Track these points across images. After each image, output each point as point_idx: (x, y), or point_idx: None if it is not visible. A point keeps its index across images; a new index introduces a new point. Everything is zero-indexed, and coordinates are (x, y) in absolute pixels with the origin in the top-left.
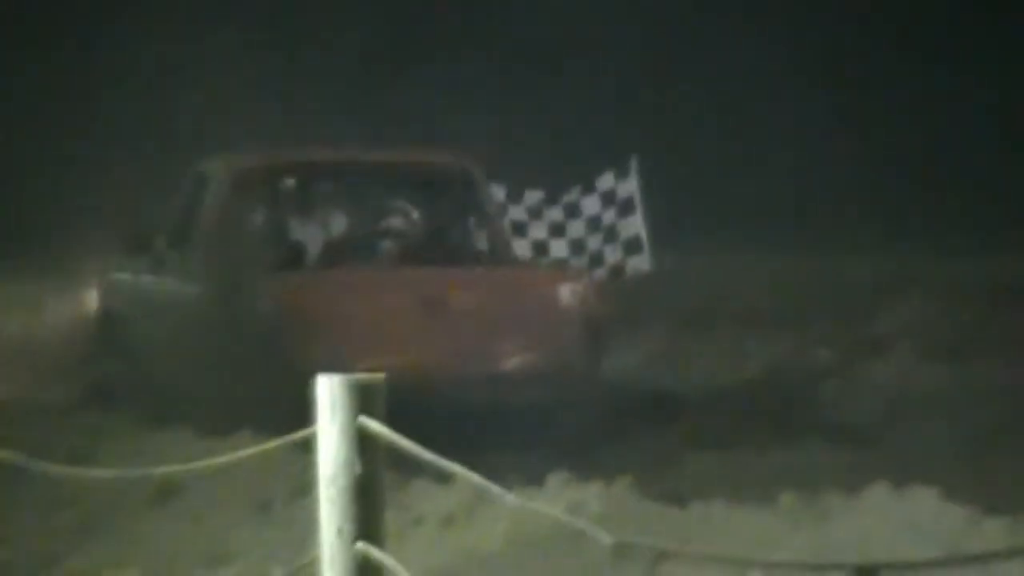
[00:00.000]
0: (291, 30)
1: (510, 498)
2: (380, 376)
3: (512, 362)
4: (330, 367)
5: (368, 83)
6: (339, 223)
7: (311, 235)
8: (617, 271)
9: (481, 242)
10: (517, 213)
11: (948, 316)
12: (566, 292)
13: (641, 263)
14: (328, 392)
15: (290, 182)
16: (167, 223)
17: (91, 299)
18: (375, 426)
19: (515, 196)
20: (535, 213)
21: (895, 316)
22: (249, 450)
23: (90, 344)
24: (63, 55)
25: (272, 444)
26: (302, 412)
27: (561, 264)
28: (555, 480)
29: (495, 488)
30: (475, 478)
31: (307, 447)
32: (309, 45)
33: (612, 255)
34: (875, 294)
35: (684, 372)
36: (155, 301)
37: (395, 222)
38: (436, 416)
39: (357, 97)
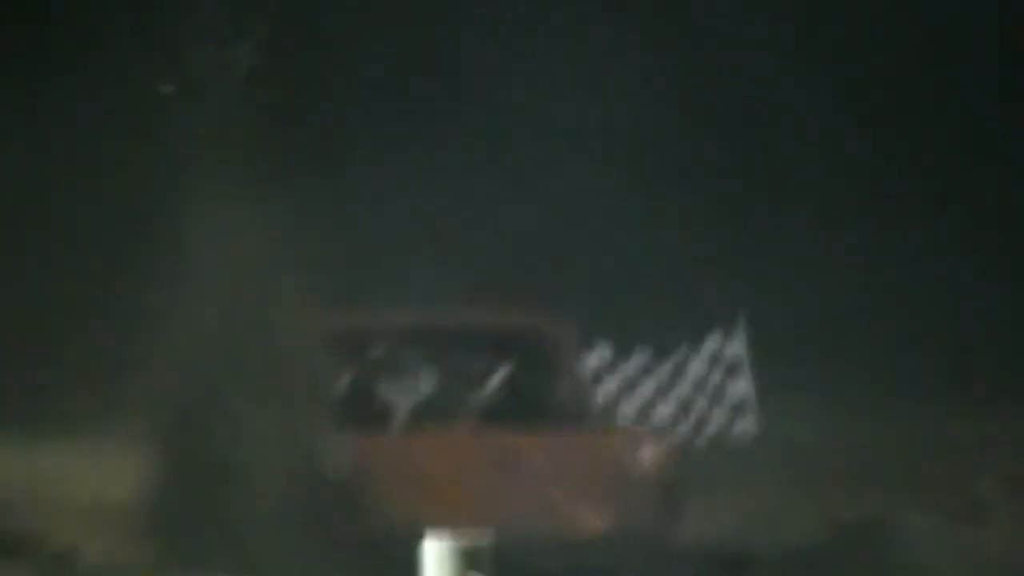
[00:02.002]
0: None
1: None
2: (484, 539)
3: (585, 526)
4: (406, 528)
5: (468, 238)
6: (425, 385)
7: (397, 396)
8: (723, 434)
9: (565, 404)
10: (625, 372)
11: None
12: (643, 457)
13: (748, 425)
14: (435, 555)
15: (377, 345)
16: (252, 383)
17: (167, 461)
18: None
19: (622, 355)
20: (643, 373)
21: (997, 478)
22: None
23: (174, 506)
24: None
25: None
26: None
27: (643, 428)
28: None
29: None
30: None
31: None
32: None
33: (719, 417)
34: (978, 455)
35: (778, 535)
36: (242, 462)
37: (480, 385)
38: None
39: (453, 250)
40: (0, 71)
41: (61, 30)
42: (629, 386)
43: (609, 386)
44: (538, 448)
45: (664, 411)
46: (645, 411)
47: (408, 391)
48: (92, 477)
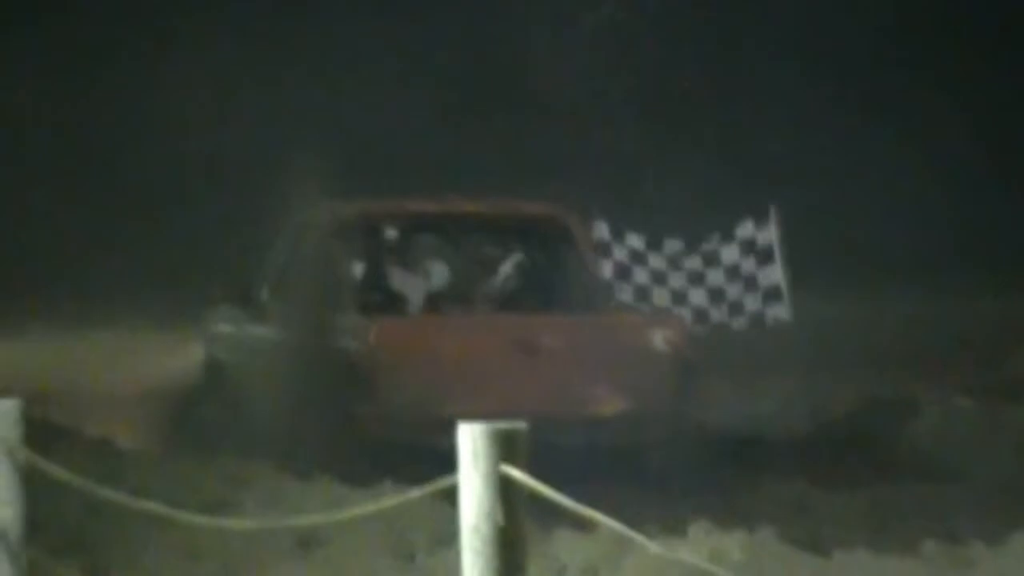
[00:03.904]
0: (392, 77)
1: (653, 547)
2: (522, 425)
3: (604, 406)
4: (425, 409)
5: (509, 129)
6: (439, 272)
7: (411, 284)
8: (757, 320)
9: (579, 289)
10: (656, 262)
11: None
12: (657, 338)
13: (781, 312)
14: (470, 441)
15: (390, 232)
16: (269, 273)
17: (198, 349)
18: (518, 475)
19: (654, 244)
20: (674, 262)
21: None
22: (391, 499)
23: (201, 394)
24: (165, 99)
25: (414, 494)
26: (424, 458)
27: (658, 311)
28: (696, 529)
29: (639, 537)
30: (619, 527)
31: (446, 495)
32: (413, 92)
33: (752, 304)
34: (1012, 336)
35: (815, 418)
36: (260, 350)
37: (493, 271)
38: (550, 461)
39: (490, 142)
40: None
41: None
42: (660, 275)
43: (641, 276)
44: (554, 330)
45: (697, 298)
46: (678, 298)
47: (423, 276)
48: (129, 370)
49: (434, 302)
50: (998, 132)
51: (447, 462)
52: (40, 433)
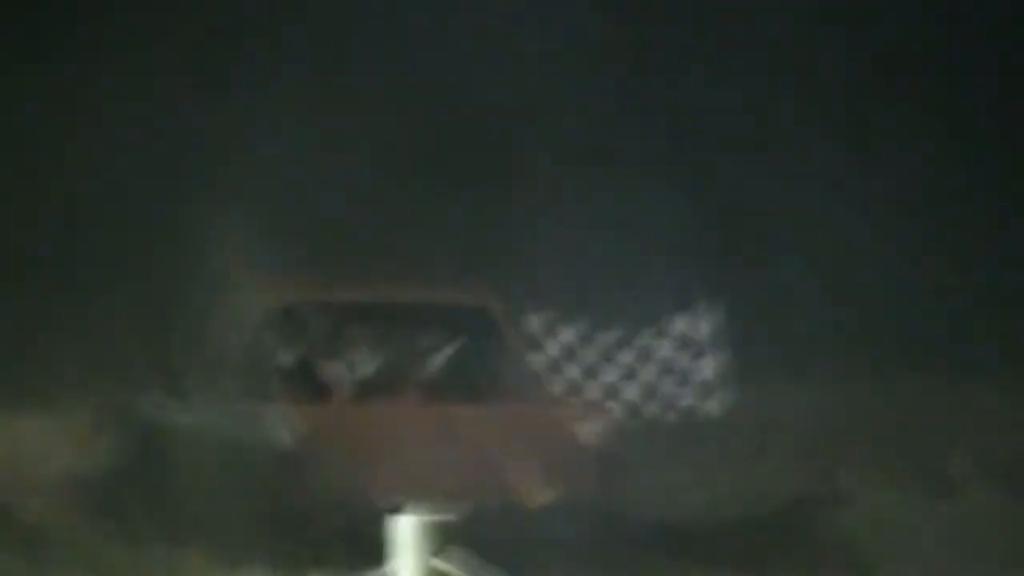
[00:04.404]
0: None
1: None
2: (451, 516)
3: (532, 496)
4: (358, 498)
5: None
6: (367, 361)
7: (338, 373)
8: (689, 415)
9: (509, 380)
10: (590, 355)
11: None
12: (583, 429)
13: (712, 406)
14: (403, 532)
15: (318, 320)
16: (197, 360)
17: (124, 436)
18: (448, 567)
19: (587, 338)
20: (608, 356)
21: (968, 454)
22: None
23: (132, 480)
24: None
25: None
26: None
27: (586, 403)
28: None
29: None
30: None
31: None
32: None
33: (685, 398)
34: (949, 431)
35: (739, 509)
36: (188, 435)
37: (422, 360)
38: (480, 552)
39: (416, 225)
40: None
41: None
42: (592, 369)
43: (572, 370)
44: (482, 420)
45: (630, 393)
46: (610, 393)
47: (353, 365)
48: (56, 451)
49: (363, 391)
50: (955, 200)
51: (376, 550)
52: None
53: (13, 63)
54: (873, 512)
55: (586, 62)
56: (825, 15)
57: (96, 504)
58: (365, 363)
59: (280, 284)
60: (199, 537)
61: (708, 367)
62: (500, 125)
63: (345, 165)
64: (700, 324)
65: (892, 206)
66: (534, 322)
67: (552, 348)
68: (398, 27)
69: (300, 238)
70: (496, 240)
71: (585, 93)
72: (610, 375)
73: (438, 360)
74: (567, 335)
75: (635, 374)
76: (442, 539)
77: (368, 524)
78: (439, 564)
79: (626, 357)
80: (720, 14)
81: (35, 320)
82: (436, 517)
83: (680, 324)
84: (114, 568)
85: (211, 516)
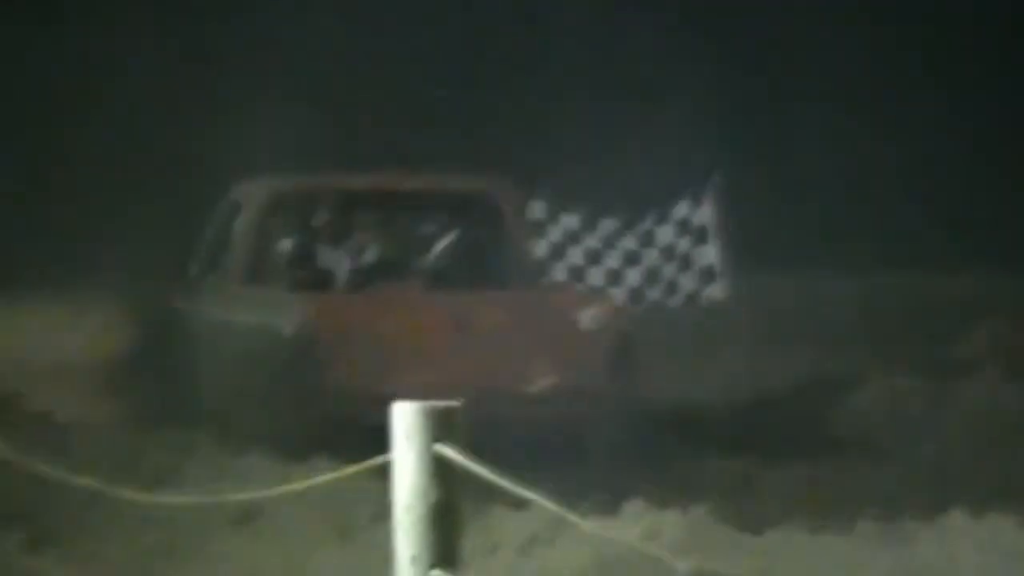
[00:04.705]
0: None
1: (588, 525)
2: (456, 402)
3: (537, 381)
4: (363, 385)
5: (435, 103)
6: (369, 249)
7: (341, 260)
8: (692, 299)
9: (510, 266)
10: (592, 241)
11: None
12: (588, 315)
13: (715, 291)
14: (404, 420)
15: (321, 208)
16: (201, 249)
17: (133, 324)
18: (452, 454)
19: (589, 224)
20: (609, 242)
21: (980, 338)
22: (325, 476)
23: (141, 366)
24: (100, 73)
25: (348, 471)
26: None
27: (590, 289)
28: (632, 506)
29: (573, 516)
30: (554, 506)
31: (384, 472)
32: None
33: (687, 284)
34: (961, 316)
35: (757, 395)
36: (194, 327)
37: (425, 247)
38: (486, 437)
39: (423, 115)
40: None
41: None
42: (595, 254)
43: (575, 255)
44: (486, 306)
45: (633, 278)
46: (613, 278)
47: (354, 253)
48: (69, 339)
49: (366, 279)
50: (963, 107)
51: (379, 437)
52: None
53: None
54: (887, 395)
55: None
56: None
57: (108, 390)
58: (367, 250)
59: (285, 171)
60: (208, 422)
61: (711, 253)
62: (511, 16)
63: (359, 53)
64: (704, 209)
65: (901, 105)
66: (537, 208)
67: (555, 234)
68: None
69: (309, 125)
70: (502, 127)
71: None
72: (613, 261)
73: (440, 247)
74: (570, 221)
75: (638, 259)
76: (445, 426)
77: (371, 411)
78: (442, 451)
79: (628, 243)
80: None
81: (60, 217)
82: (439, 404)
83: (683, 209)
84: (123, 449)
85: (217, 402)
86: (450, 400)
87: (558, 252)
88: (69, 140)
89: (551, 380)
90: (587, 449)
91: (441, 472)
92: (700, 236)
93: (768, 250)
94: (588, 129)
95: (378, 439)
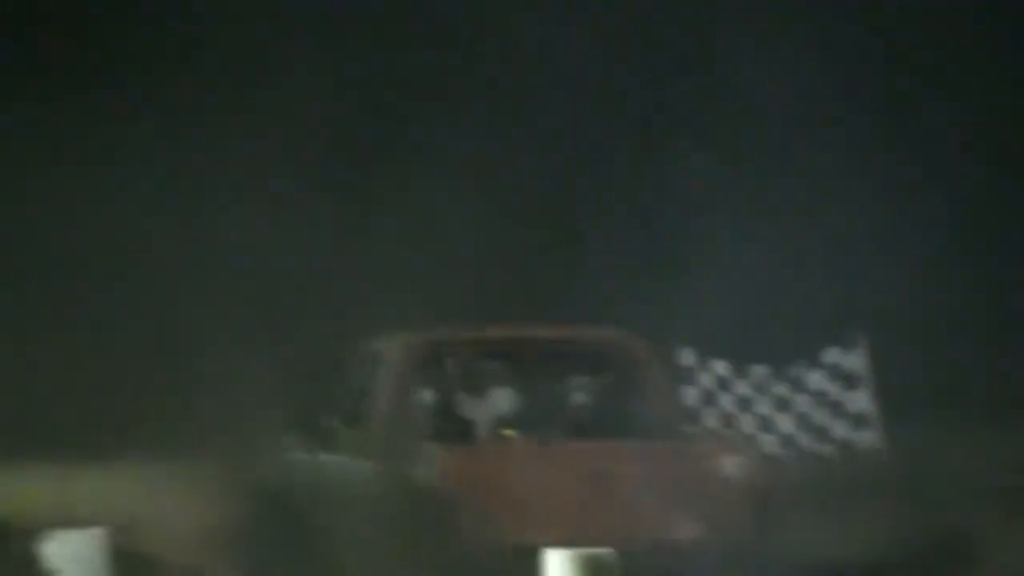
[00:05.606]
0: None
1: None
2: (608, 551)
3: (675, 534)
4: (503, 536)
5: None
6: (508, 399)
7: (480, 411)
8: (844, 447)
9: (650, 416)
10: (742, 388)
11: None
12: (730, 465)
13: (871, 439)
14: (558, 567)
15: (461, 360)
16: (339, 401)
17: (261, 478)
18: None
19: (740, 371)
20: (760, 388)
21: None
22: None
23: (266, 525)
24: (213, 222)
25: None
26: None
27: (731, 437)
28: None
29: None
30: None
31: None
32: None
33: (839, 430)
34: None
35: (886, 549)
36: (331, 479)
37: (563, 397)
38: None
39: (559, 269)
40: None
41: None
42: (745, 401)
43: (726, 401)
44: (625, 457)
45: (784, 424)
46: (765, 424)
47: (491, 406)
48: (184, 504)
49: (504, 430)
50: None
51: None
52: (127, 563)
53: None
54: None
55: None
56: None
57: (238, 554)
58: (505, 401)
59: (421, 323)
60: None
61: (863, 399)
62: (642, 154)
63: (483, 209)
64: (853, 356)
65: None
66: (684, 355)
67: (705, 380)
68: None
69: (440, 278)
70: (643, 276)
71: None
72: (763, 407)
73: (577, 397)
74: (719, 367)
75: (789, 405)
76: (598, 573)
77: (515, 564)
78: None
79: (779, 389)
80: None
81: (171, 377)
82: (592, 551)
83: (832, 355)
84: None
85: (357, 554)
86: (601, 549)
87: (709, 399)
88: (191, 299)
89: (691, 532)
90: None
91: None
92: (852, 382)
93: (918, 404)
94: (732, 278)
95: None
